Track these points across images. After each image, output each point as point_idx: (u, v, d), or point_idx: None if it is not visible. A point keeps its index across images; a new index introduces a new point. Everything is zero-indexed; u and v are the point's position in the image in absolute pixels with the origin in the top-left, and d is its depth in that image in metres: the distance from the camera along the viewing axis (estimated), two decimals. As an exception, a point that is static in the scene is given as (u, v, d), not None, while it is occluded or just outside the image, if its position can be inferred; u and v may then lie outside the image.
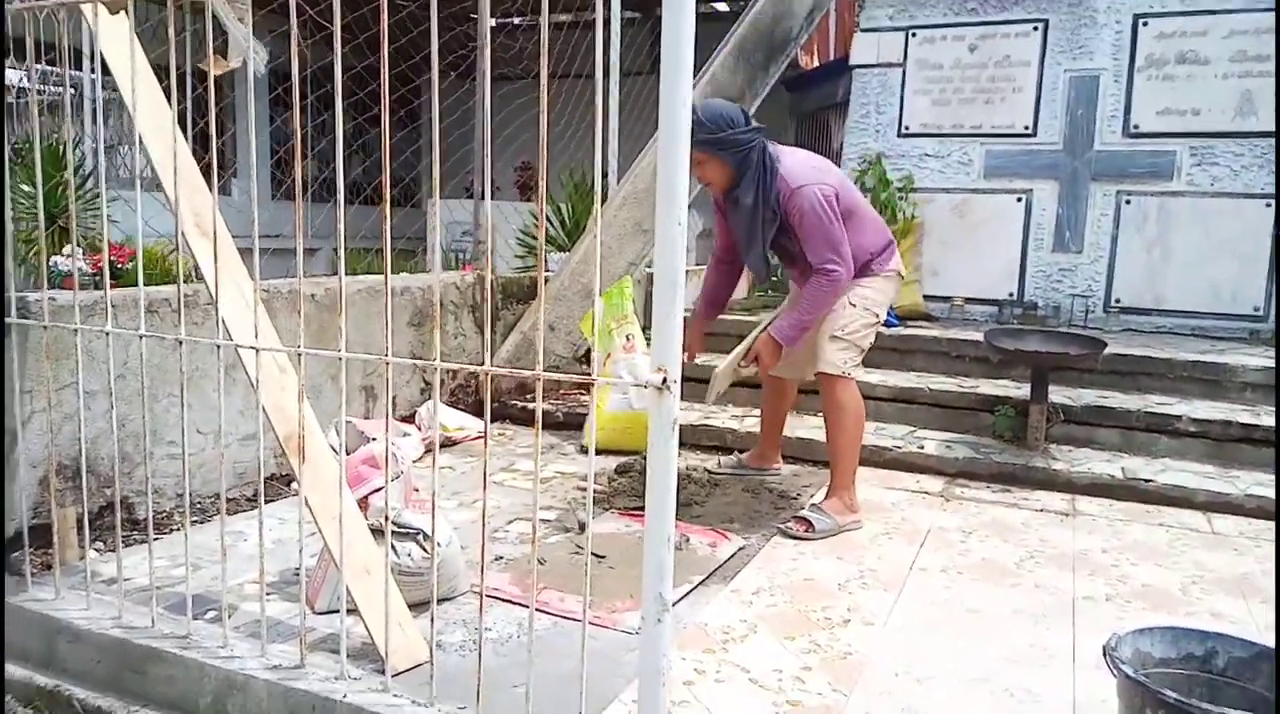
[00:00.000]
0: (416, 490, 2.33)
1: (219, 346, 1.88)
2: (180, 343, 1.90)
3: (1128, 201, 5.00)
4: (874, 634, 2.24)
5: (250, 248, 1.92)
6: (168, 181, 2.11)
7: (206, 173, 2.19)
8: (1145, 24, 4.97)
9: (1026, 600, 2.49)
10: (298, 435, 1.91)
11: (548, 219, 6.12)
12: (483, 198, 5.00)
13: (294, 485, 3.14)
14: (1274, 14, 4.63)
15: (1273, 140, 4.76)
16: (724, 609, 2.35)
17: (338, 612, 2.00)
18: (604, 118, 1.53)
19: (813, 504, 3.08)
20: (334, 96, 1.70)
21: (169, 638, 1.96)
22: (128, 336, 2.49)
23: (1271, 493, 3.31)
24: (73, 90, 5.49)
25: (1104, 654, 1.56)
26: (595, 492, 3.29)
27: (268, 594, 2.29)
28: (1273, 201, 4.75)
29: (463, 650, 2.10)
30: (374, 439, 2.71)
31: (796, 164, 2.96)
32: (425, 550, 2.19)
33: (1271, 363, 4.04)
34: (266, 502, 3.03)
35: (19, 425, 2.29)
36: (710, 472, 3.62)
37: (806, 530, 2.93)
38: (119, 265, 4.18)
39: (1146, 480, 3.47)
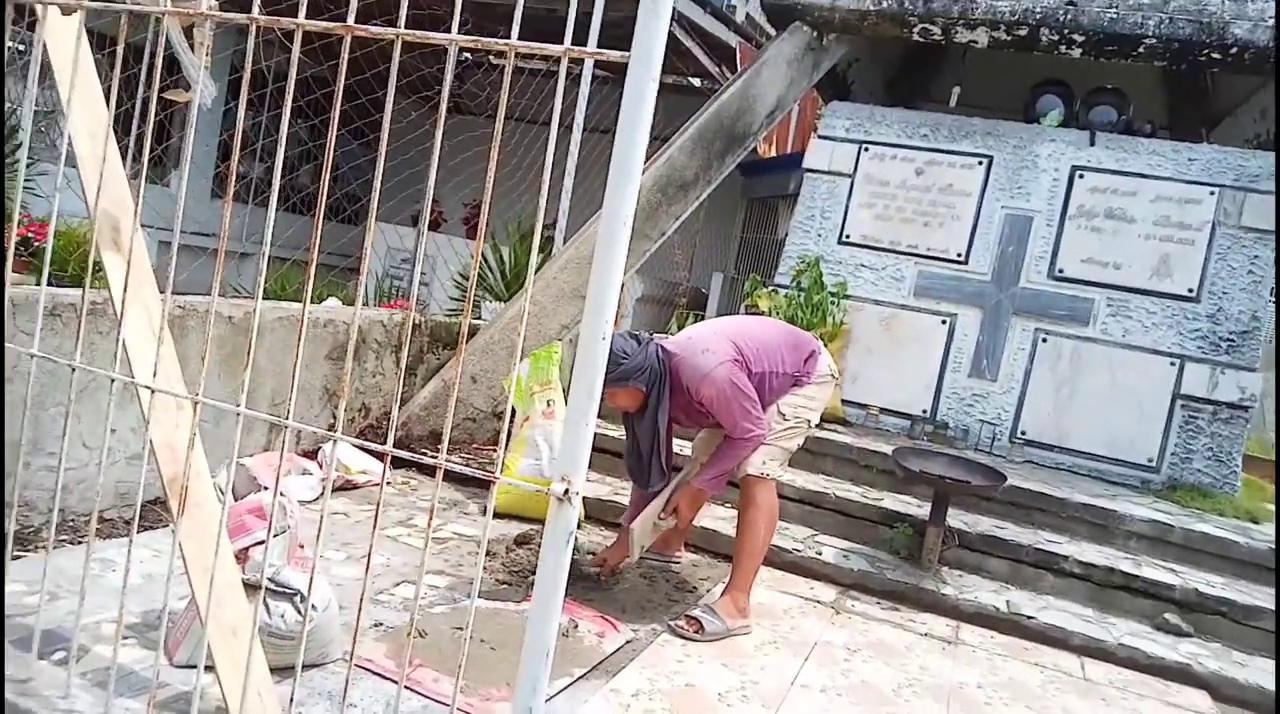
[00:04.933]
0: (302, 547, 2.25)
1: (112, 381, 1.80)
2: (73, 370, 1.81)
3: (1044, 339, 5.23)
4: (745, 754, 2.23)
5: (184, 243, 1.85)
6: (90, 189, 2.04)
7: (152, 164, 2.12)
8: (1081, 176, 5.26)
9: (899, 733, 2.51)
10: (182, 481, 1.83)
11: (488, 264, 6.10)
12: (424, 233, 4.92)
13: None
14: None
15: (1184, 303, 5.04)
16: (600, 711, 2.31)
17: (196, 667, 1.90)
18: (553, 169, 1.46)
19: (705, 604, 3.08)
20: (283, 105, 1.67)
21: (8, 680, 1.83)
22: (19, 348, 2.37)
23: (1144, 645, 3.44)
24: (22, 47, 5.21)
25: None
26: (489, 563, 3.23)
27: (125, 638, 2.18)
28: (1176, 361, 5.01)
29: (322, 726, 2.01)
30: (266, 487, 2.62)
31: (691, 354, 3.04)
32: (300, 613, 2.10)
33: (1157, 516, 4.23)
34: (149, 528, 2.92)
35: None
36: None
37: (696, 630, 2.91)
38: (37, 243, 4.00)
39: (1029, 616, 3.56)
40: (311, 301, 4.50)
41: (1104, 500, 4.35)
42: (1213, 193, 5.02)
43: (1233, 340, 4.95)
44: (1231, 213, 5.00)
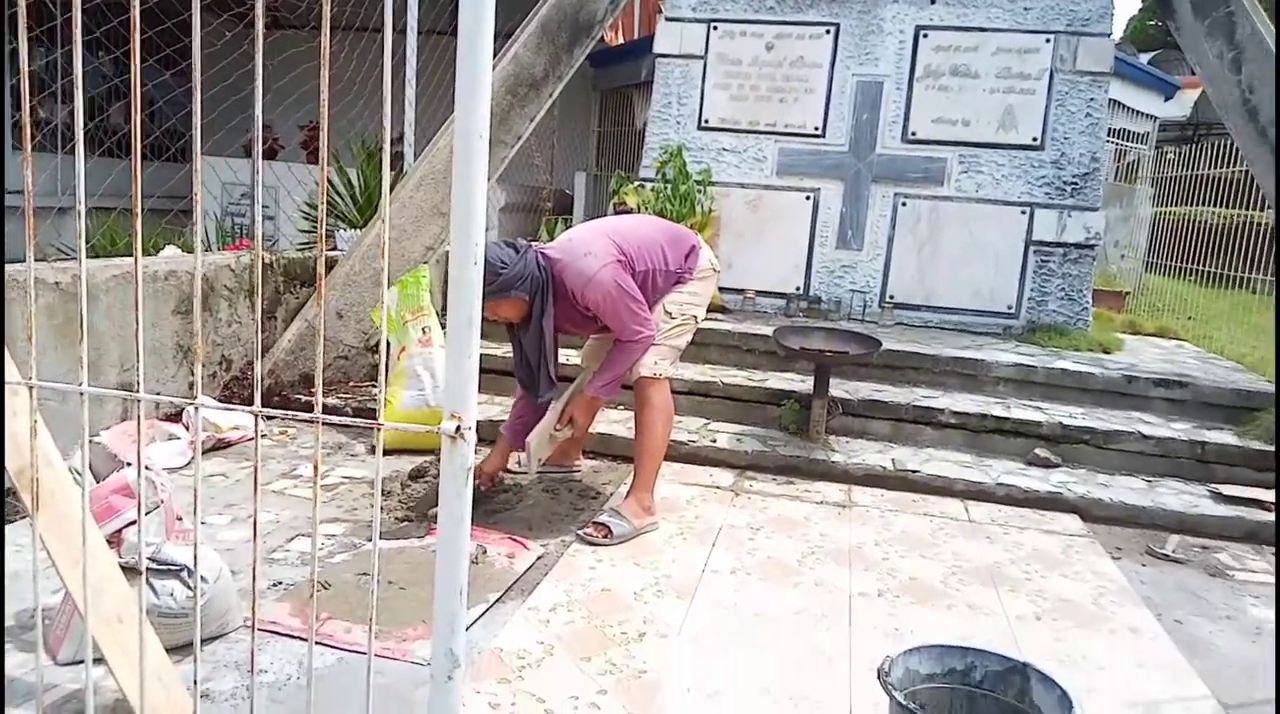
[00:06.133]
0: (180, 519, 2.11)
1: (-76, 376, 1.59)
2: (-128, 370, 1.59)
3: (904, 203, 5.36)
4: (668, 648, 2.28)
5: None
6: None
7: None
8: (925, 36, 5.31)
9: (807, 600, 2.62)
10: (30, 472, 1.66)
11: (337, 192, 5.75)
12: (260, 162, 4.59)
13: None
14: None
15: (1029, 153, 5.24)
16: (520, 630, 2.31)
17: (84, 662, 1.78)
18: (392, 77, 1.30)
19: (611, 507, 3.10)
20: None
21: None
22: None
23: (1018, 481, 3.68)
24: None
25: (878, 676, 1.65)
26: (385, 502, 3.14)
27: (-3, 644, 2.02)
28: (1026, 209, 5.24)
29: (235, 699, 1.93)
30: (129, 463, 2.43)
31: (573, 258, 2.94)
32: (190, 588, 1.99)
33: (1020, 359, 4.48)
34: (6, 522, 2.68)
35: None
36: (509, 471, 3.55)
37: (605, 536, 2.93)
38: None
39: (913, 471, 3.75)
40: (146, 253, 4.16)
41: (971, 351, 4.58)
42: (1048, 40, 5.17)
43: (1076, 183, 5.20)
44: (1067, 58, 5.17)
